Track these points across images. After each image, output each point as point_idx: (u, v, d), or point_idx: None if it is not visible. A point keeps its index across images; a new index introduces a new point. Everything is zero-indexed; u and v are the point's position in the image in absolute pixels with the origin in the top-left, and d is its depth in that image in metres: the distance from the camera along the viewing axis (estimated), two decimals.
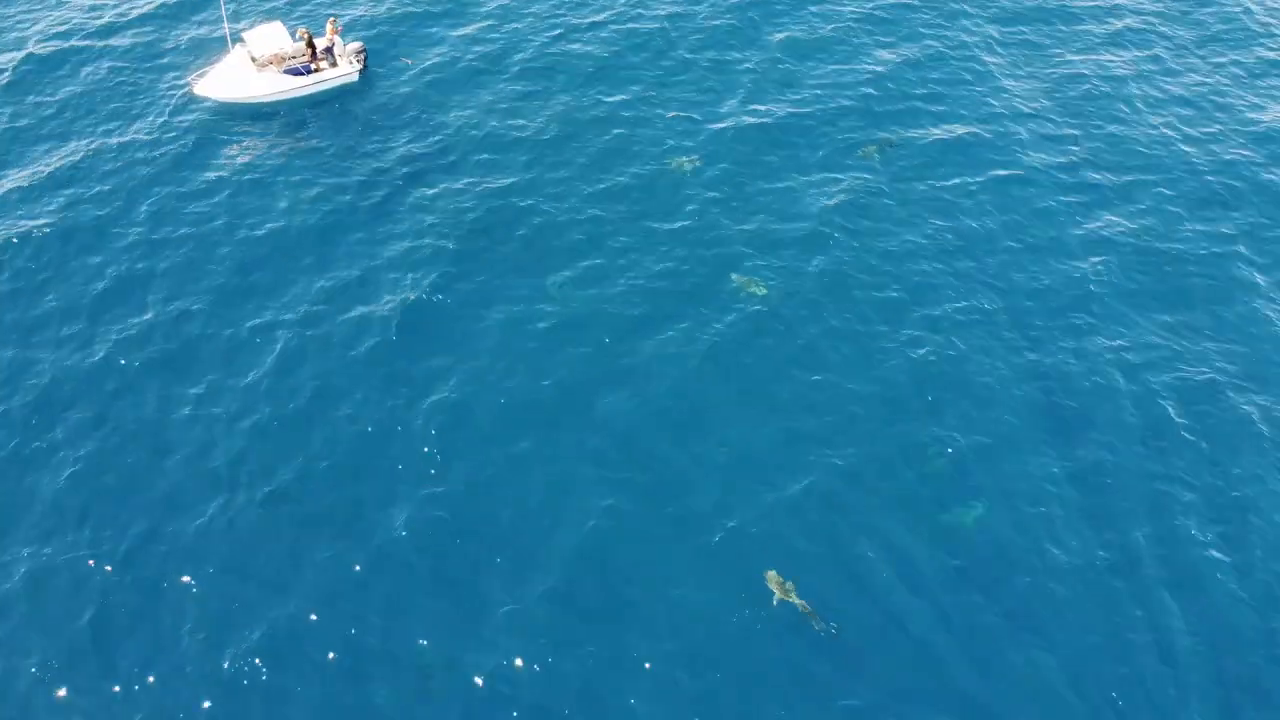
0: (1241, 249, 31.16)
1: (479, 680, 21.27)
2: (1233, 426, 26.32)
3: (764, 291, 29.03)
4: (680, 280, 29.50)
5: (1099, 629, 22.44)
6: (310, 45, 35.35)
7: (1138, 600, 22.82)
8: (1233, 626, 22.60)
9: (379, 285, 29.13)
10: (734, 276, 29.46)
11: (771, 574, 22.76)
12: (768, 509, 24.14)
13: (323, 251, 30.07)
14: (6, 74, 35.95)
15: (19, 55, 36.70)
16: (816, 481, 24.69)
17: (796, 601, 22.32)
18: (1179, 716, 21.20)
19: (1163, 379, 27.35)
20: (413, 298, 28.65)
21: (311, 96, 35.57)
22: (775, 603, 22.38)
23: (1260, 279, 30.27)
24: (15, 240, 29.96)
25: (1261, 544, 23.95)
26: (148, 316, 28.01)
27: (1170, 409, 26.63)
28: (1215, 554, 23.74)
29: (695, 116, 35.18)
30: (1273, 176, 33.68)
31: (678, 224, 31.15)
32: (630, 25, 39.24)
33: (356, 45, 36.47)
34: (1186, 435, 26.06)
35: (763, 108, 35.68)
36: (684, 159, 33.16)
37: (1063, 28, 40.46)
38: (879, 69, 37.57)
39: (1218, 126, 35.71)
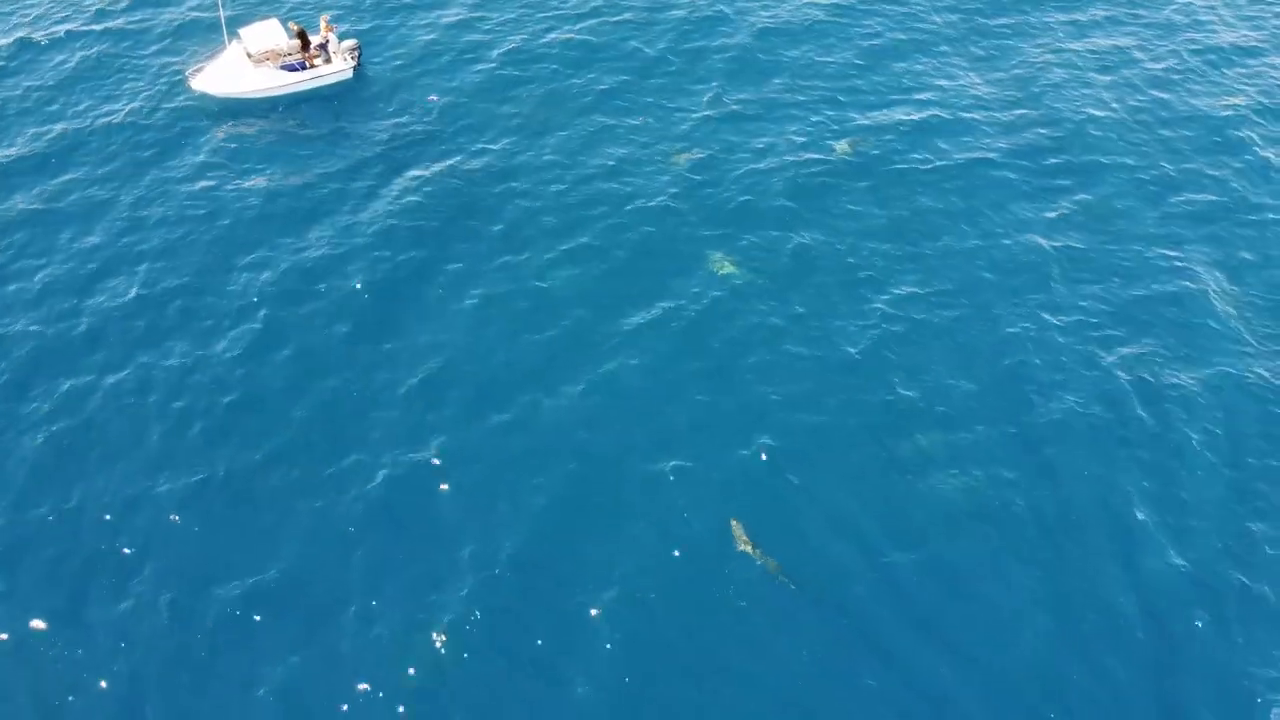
0: (1191, 233, 32.06)
1: (451, 626, 22.17)
2: (1176, 398, 27.15)
3: (738, 271, 29.82)
4: (659, 260, 30.43)
5: (1045, 588, 23.17)
6: (301, 39, 36.35)
7: (1084, 561, 23.56)
8: (1170, 584, 23.35)
9: (364, 266, 29.99)
10: (711, 256, 30.32)
11: (735, 523, 23.71)
12: (735, 470, 25.10)
13: (309, 234, 30.97)
14: (0, 60, 37.21)
15: (13, 43, 37.91)
16: (783, 446, 25.55)
17: (755, 553, 23.18)
18: (1118, 673, 21.89)
19: (1116, 353, 28.19)
20: (398, 277, 29.58)
21: (306, 92, 36.54)
22: (738, 550, 23.33)
23: (1207, 260, 31.11)
24: (7, 220, 31.00)
25: (1198, 508, 24.80)
26: (136, 293, 28.94)
27: (1121, 381, 27.42)
28: (1152, 516, 24.52)
29: (678, 103, 36.16)
30: (1225, 163, 34.57)
31: (660, 205, 32.06)
32: (616, 17, 40.26)
33: (351, 42, 37.41)
34: (1139, 410, 26.80)
35: (743, 96, 36.68)
36: (683, 153, 34.07)
37: (1030, 17, 41.50)
38: (855, 59, 38.53)
39: (1172, 113, 36.68)
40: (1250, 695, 21.59)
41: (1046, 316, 28.98)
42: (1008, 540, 23.86)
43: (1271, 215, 32.67)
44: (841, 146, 34.23)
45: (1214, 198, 33.18)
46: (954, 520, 24.22)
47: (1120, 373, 27.56)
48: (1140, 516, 24.32)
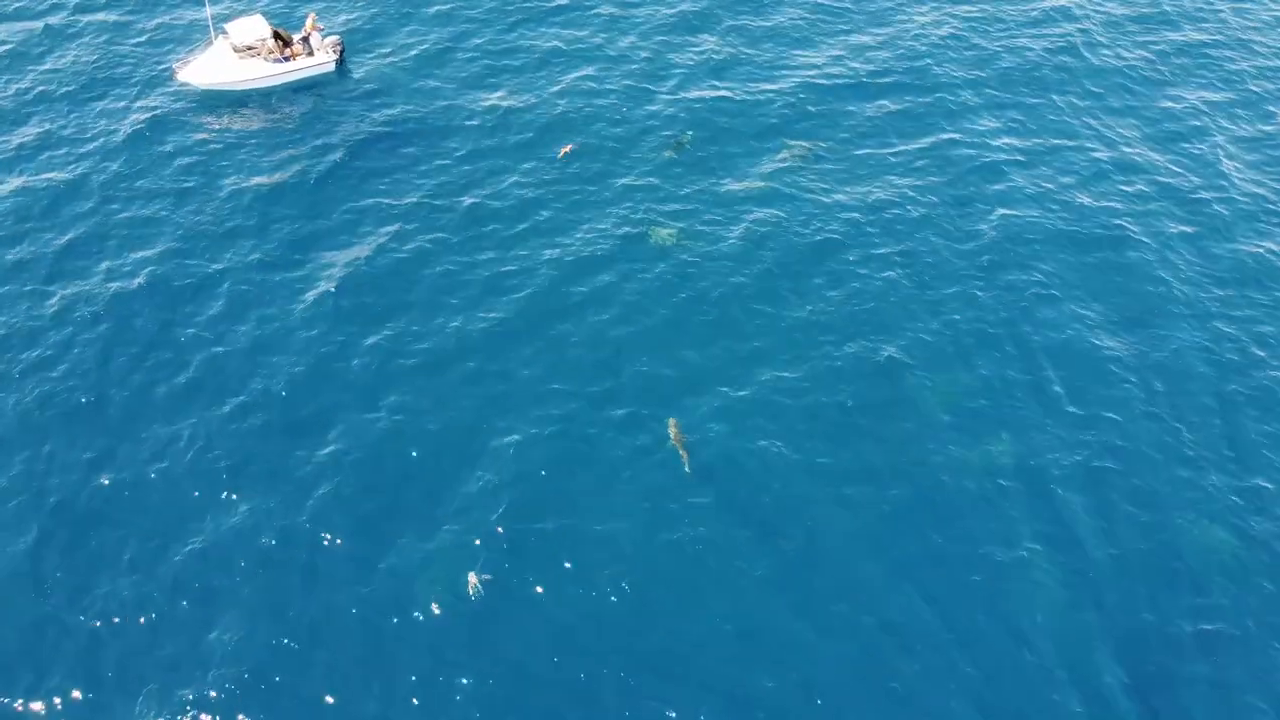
0: (1067, 181, 34.70)
1: None
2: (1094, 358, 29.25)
3: (682, 241, 31.59)
4: (624, 231, 32.06)
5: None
6: (279, 40, 38.00)
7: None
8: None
9: (342, 237, 31.68)
10: (652, 230, 31.98)
11: (673, 421, 25.83)
12: (668, 400, 26.96)
13: (286, 208, 32.56)
14: None
15: (5, 33, 39.71)
16: (735, 373, 27.75)
17: (681, 449, 25.30)
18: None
19: (1051, 310, 30.33)
20: (365, 254, 30.93)
21: (289, 84, 38.00)
22: (669, 444, 25.49)
23: (1079, 206, 33.81)
24: None
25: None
26: (113, 266, 30.36)
27: (1048, 334, 29.62)
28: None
29: (648, 89, 37.95)
30: (1163, 155, 36.46)
31: (633, 183, 33.89)
32: (585, 12, 41.92)
33: (334, 39, 38.98)
34: (1007, 331, 29.52)
35: (717, 82, 38.54)
36: (684, 139, 35.74)
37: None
38: (820, 53, 40.51)
39: (1127, 101, 38.86)
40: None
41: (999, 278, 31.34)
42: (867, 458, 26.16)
43: (1121, 163, 35.44)
44: (794, 161, 35.47)
45: (1100, 153, 35.97)
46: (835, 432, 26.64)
47: (1052, 329, 29.81)
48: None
